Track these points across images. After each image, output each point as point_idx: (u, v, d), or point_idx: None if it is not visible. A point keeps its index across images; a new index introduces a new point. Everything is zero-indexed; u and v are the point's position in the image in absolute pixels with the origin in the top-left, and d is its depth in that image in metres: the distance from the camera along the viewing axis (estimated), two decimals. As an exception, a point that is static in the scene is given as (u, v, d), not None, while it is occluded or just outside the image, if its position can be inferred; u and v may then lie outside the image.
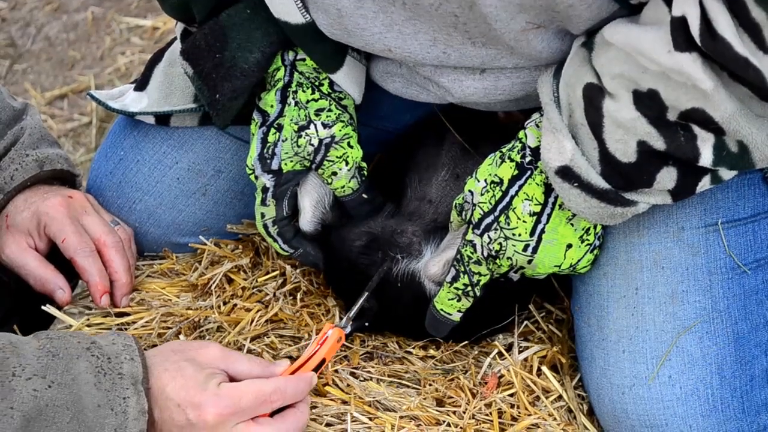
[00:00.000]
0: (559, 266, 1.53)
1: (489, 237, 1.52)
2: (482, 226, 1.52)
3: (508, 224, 1.51)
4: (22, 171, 1.74)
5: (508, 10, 1.38)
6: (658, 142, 1.37)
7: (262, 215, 1.68)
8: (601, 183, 1.42)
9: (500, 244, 1.52)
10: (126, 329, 1.69)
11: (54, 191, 1.75)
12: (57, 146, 1.82)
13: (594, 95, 1.39)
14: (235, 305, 1.73)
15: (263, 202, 1.67)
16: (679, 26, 1.28)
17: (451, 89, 1.57)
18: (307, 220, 1.70)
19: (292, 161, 1.64)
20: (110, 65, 3.25)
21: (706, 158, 1.37)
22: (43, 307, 1.72)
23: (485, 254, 1.53)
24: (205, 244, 1.82)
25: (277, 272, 1.79)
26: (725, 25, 1.24)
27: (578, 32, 1.44)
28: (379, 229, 1.69)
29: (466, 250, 1.55)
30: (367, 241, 1.69)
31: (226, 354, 1.44)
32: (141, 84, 1.83)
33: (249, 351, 1.64)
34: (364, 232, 1.69)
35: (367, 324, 1.70)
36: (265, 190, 1.66)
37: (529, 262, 1.53)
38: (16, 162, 1.75)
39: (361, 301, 1.63)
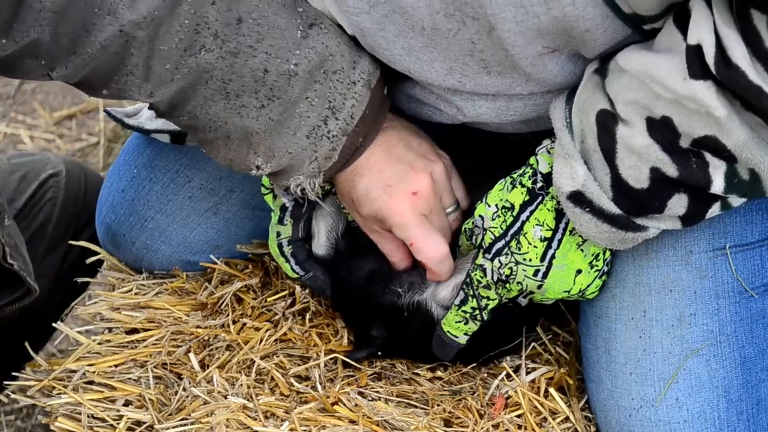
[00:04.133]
0: (569, 292, 1.55)
1: (500, 261, 1.53)
2: (493, 251, 1.54)
3: (519, 249, 1.52)
4: (358, 102, 1.37)
5: (526, 35, 1.40)
6: (670, 169, 1.38)
7: (278, 234, 1.68)
8: (613, 208, 1.44)
9: (511, 268, 1.53)
10: (136, 347, 1.70)
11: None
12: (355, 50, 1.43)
13: (607, 121, 1.41)
14: (245, 324, 1.74)
15: (281, 221, 1.67)
16: (695, 54, 1.30)
17: (464, 108, 1.58)
18: (321, 244, 1.70)
19: None
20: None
21: (717, 185, 1.38)
22: (54, 324, 1.73)
23: (495, 279, 1.55)
24: (216, 263, 1.82)
25: (287, 292, 1.80)
26: (740, 54, 1.26)
27: (591, 56, 1.46)
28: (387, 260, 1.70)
29: (475, 274, 1.56)
30: (370, 272, 1.69)
31: None
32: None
33: (260, 369, 1.65)
34: (372, 261, 1.69)
35: (379, 353, 1.71)
36: (283, 209, 1.66)
37: (539, 287, 1.54)
38: (340, 91, 1.34)
39: None
